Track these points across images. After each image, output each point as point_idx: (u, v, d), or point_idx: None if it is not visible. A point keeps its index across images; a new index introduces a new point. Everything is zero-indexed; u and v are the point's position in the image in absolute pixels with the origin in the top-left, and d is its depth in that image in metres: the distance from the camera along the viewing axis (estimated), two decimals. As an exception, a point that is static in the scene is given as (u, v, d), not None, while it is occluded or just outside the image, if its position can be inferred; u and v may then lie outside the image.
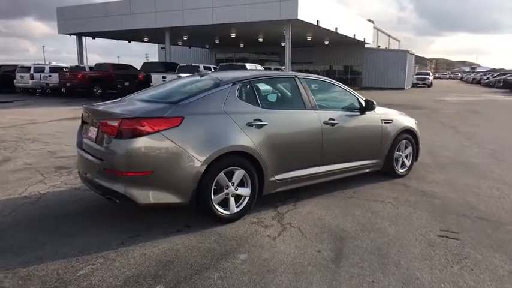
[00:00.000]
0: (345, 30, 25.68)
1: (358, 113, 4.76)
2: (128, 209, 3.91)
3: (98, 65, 21.58)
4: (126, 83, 19.76)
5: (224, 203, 3.66)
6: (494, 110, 16.00)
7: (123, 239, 3.35)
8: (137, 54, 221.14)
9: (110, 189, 3.35)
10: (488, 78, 41.81)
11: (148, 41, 34.10)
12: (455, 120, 11.85)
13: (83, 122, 4.05)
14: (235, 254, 3.10)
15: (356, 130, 4.71)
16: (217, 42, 33.00)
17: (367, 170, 4.95)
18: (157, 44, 38.24)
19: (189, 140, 3.41)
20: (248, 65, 17.34)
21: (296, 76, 4.43)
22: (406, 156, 5.39)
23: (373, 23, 34.99)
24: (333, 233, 3.51)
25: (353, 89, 5.11)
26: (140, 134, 3.24)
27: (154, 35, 28.12)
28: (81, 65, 23.92)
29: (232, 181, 3.65)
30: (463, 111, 14.80)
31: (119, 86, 19.94)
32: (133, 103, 3.90)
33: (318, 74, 28.61)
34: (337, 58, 34.65)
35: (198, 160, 3.40)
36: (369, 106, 4.79)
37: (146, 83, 18.33)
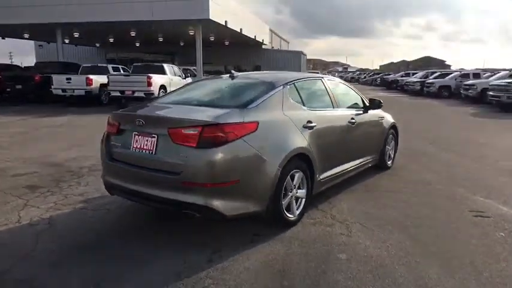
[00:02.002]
0: (248, 32, 26.44)
1: (363, 111, 5.12)
2: (166, 224, 3.63)
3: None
4: (18, 86, 17.15)
5: (287, 207, 3.64)
6: (388, 105, 18.29)
7: (207, 256, 3.10)
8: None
9: (187, 203, 3.06)
10: (365, 77, 47.47)
11: (29, 38, 30.06)
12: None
13: (118, 131, 3.56)
14: (333, 255, 3.14)
15: (366, 127, 5.07)
16: (111, 40, 30.75)
17: (369, 165, 5.36)
18: (32, 41, 33.82)
19: (265, 145, 3.32)
20: (166, 65, 16.62)
21: (322, 77, 4.58)
22: (391, 150, 5.98)
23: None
24: (392, 224, 3.77)
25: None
26: (225, 141, 3.04)
27: (38, 31, 24.94)
28: None
29: (294, 184, 3.65)
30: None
31: (8, 89, 17.22)
32: (183, 108, 3.59)
33: (218, 74, 28.98)
34: (237, 58, 35.35)
35: (274, 165, 3.33)
36: (375, 105, 5.18)
37: (45, 85, 16.26)
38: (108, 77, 15.41)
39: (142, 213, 4.14)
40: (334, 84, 4.83)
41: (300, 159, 3.66)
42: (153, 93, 14.90)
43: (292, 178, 3.61)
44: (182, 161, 3.05)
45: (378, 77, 39.84)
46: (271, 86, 3.78)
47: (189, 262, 3.00)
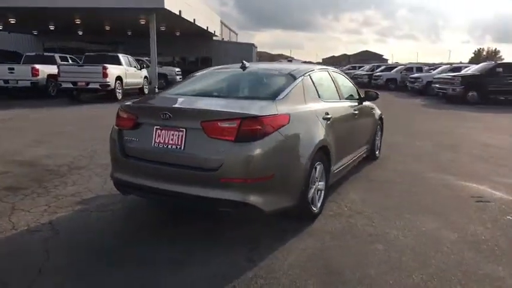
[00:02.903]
0: (201, 22, 25.87)
1: (358, 103, 5.19)
2: (183, 223, 3.46)
3: None
4: None
5: (311, 200, 3.58)
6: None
7: (245, 255, 2.95)
8: None
9: (224, 200, 2.90)
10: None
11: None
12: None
13: (134, 125, 3.27)
14: (368, 246, 3.14)
15: (363, 119, 5.14)
16: (52, 28, 28.54)
17: (364, 155, 5.46)
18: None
19: (296, 137, 3.25)
20: (121, 56, 15.72)
21: (328, 68, 4.57)
22: (379, 140, 6.14)
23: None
24: (409, 213, 3.86)
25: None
26: (263, 134, 2.91)
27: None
28: None
29: (316, 176, 3.61)
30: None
31: None
32: (207, 100, 3.40)
33: (170, 65, 28.09)
34: (186, 49, 34.53)
35: (305, 157, 3.26)
36: (371, 97, 5.27)
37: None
38: (58, 67, 14.29)
39: (152, 213, 3.89)
40: (337, 76, 4.83)
41: (321, 151, 3.62)
42: (109, 85, 14.11)
43: (315, 171, 3.57)
44: (219, 156, 2.87)
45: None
46: (292, 77, 3.68)
47: (228, 262, 2.84)
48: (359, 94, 5.29)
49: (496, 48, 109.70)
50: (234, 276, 2.66)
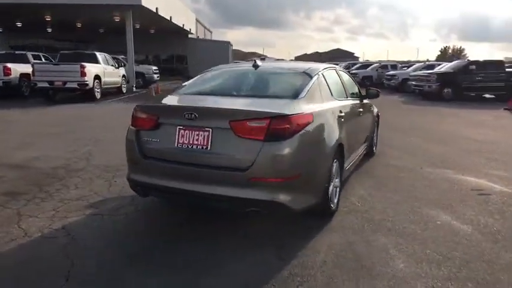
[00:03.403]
0: (177, 20, 25.54)
1: (360, 100, 5.28)
2: (204, 223, 3.45)
3: None
4: None
5: (330, 197, 3.62)
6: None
7: (274, 254, 2.96)
8: None
9: (253, 200, 2.89)
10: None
11: None
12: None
13: (155, 126, 3.19)
14: (392, 240, 3.21)
15: (365, 116, 5.24)
16: (19, 25, 27.34)
17: (365, 152, 5.56)
18: None
19: (320, 135, 3.28)
20: (98, 54, 15.24)
21: (335, 67, 4.62)
22: (375, 137, 6.27)
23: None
24: (419, 207, 3.97)
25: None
26: (292, 133, 2.91)
27: None
28: None
29: (333, 173, 3.64)
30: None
31: None
32: (229, 100, 3.39)
33: (144, 63, 27.52)
34: (162, 47, 33.96)
35: (328, 155, 3.30)
36: (372, 95, 5.35)
37: None
38: (32, 66, 13.73)
39: (168, 214, 3.82)
40: (343, 74, 4.89)
41: (339, 149, 3.66)
42: (87, 84, 13.69)
43: (333, 168, 3.61)
44: (249, 156, 2.86)
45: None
46: (307, 75, 3.70)
47: (260, 262, 2.84)
48: (360, 92, 5.38)
49: (461, 46, 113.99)
50: (269, 275, 2.65)
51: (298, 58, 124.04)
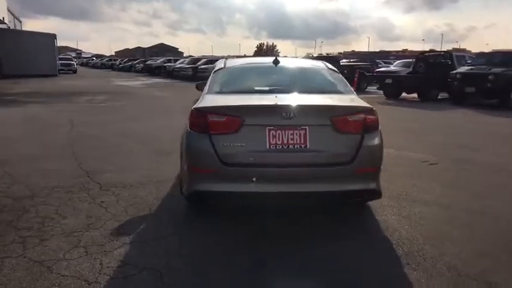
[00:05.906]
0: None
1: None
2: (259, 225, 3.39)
3: None
4: None
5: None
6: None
7: (330, 252, 2.99)
8: None
9: (356, 191, 3.05)
10: (120, 63, 46.06)
11: None
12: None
13: (238, 128, 2.88)
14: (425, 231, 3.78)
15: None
16: None
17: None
18: None
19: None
20: None
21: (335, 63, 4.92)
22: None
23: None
24: (424, 200, 4.69)
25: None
26: (378, 124, 3.16)
27: None
28: None
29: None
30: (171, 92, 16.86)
31: None
32: (298, 96, 3.32)
33: None
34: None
35: (382, 143, 3.63)
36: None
37: None
38: None
39: (222, 226, 3.46)
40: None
41: None
42: None
43: None
44: (349, 150, 2.97)
45: (136, 63, 39.70)
46: (335, 71, 3.92)
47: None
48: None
49: (273, 43, 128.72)
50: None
51: (119, 53, 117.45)
